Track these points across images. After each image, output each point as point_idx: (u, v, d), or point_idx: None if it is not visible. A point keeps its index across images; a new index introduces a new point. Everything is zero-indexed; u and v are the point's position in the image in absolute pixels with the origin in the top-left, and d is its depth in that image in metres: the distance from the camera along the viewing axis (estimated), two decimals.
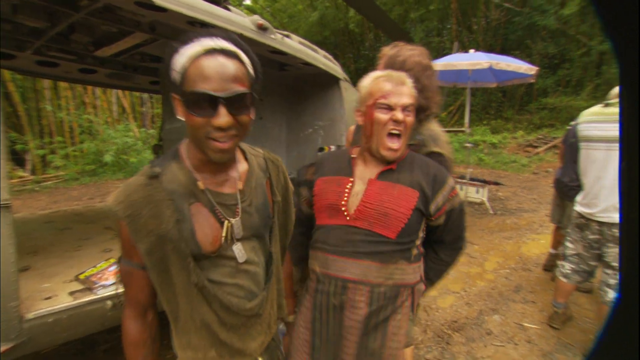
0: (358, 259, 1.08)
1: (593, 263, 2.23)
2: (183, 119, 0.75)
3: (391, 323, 1.09)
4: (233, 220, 0.83)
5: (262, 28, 1.99)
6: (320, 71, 2.72)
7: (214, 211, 0.81)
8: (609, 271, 2.09)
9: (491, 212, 5.35)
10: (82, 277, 1.62)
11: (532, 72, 4.54)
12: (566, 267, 2.36)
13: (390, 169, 1.12)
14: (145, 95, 11.08)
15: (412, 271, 1.13)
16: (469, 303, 2.88)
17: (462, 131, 6.12)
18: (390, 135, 1.07)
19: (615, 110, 1.95)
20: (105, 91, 9.93)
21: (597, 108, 2.11)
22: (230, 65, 0.71)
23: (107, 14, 1.86)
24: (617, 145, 1.97)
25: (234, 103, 0.72)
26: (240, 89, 0.72)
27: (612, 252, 2.04)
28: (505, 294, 3.01)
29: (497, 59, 4.43)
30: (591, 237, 2.16)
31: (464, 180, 5.59)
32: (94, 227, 2.67)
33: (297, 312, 1.21)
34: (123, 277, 0.84)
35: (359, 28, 14.99)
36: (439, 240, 1.23)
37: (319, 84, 3.06)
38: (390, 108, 1.06)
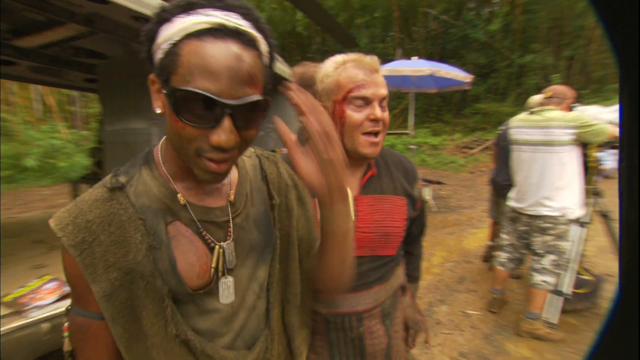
0: (368, 289, 0.98)
1: (523, 251, 2.50)
2: (161, 112, 0.55)
3: (394, 323, 1.06)
4: (225, 244, 0.62)
5: None
6: (275, 75, 2.69)
7: (199, 232, 0.61)
8: (535, 257, 2.35)
9: (435, 209, 5.71)
10: (7, 299, 1.42)
11: (468, 80, 4.97)
12: (502, 256, 2.61)
13: (371, 175, 0.97)
14: (76, 93, 10.06)
15: (402, 272, 1.11)
16: (418, 296, 3.04)
17: (407, 134, 6.47)
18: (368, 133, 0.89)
19: (537, 117, 2.20)
20: (24, 87, 8.83)
21: (523, 115, 2.37)
22: (246, 59, 0.50)
23: None
24: (540, 148, 2.23)
25: (244, 113, 0.52)
26: (254, 95, 0.52)
27: (538, 241, 2.31)
28: (450, 285, 3.24)
29: (438, 67, 4.77)
30: (521, 228, 2.41)
31: None
32: (18, 241, 2.35)
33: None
34: (74, 334, 0.60)
35: (307, 31, 15.13)
36: (408, 235, 1.11)
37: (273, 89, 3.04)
38: (366, 102, 0.87)
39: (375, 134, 0.88)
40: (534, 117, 2.23)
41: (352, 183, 0.94)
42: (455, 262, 3.75)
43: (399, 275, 1.09)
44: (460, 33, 12.63)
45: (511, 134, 2.40)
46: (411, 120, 5.78)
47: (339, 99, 0.87)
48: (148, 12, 1.50)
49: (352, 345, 0.99)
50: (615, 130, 2.07)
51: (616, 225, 2.63)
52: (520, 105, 12.01)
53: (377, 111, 0.85)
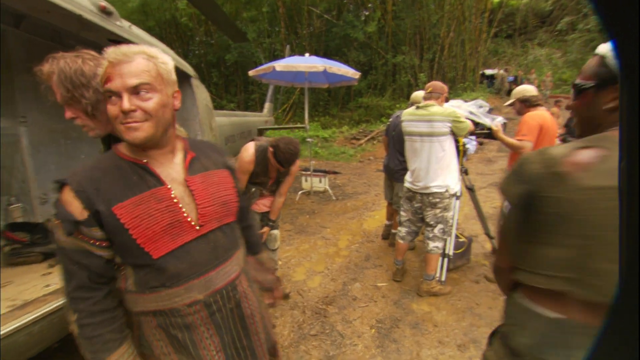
0: (230, 257, 1.05)
1: (419, 224, 2.94)
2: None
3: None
4: None
5: (105, 12, 1.66)
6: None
7: None
8: (428, 228, 2.80)
9: (334, 198, 6.12)
10: None
11: (357, 77, 5.45)
12: (402, 231, 3.01)
13: (192, 158, 1.02)
14: None
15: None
16: (333, 279, 3.26)
17: (302, 127, 6.71)
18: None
19: (423, 111, 2.60)
20: None
21: (412, 109, 2.76)
22: None
23: None
24: (426, 138, 2.64)
25: None
26: None
27: (430, 214, 2.75)
28: (359, 264, 3.56)
29: (330, 64, 5.08)
30: (416, 205, 2.83)
31: (308, 172, 6.18)
32: None
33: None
34: None
35: (191, 22, 14.00)
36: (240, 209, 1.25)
37: None
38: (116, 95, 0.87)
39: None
40: (420, 111, 2.62)
41: (176, 168, 0.98)
42: (359, 243, 4.13)
43: (242, 242, 1.20)
44: (342, 32, 13.57)
45: (404, 126, 2.77)
46: (306, 114, 6.02)
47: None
48: None
49: (231, 315, 1.05)
50: (472, 125, 2.64)
51: (478, 197, 3.33)
52: (396, 99, 13.69)
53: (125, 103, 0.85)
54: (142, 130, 0.87)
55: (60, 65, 1.02)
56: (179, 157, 1.00)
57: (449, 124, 2.51)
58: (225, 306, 1.02)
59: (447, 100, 2.79)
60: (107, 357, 0.91)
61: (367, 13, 14.73)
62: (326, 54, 13.18)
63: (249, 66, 5.80)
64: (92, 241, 0.89)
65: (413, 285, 3.07)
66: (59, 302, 1.39)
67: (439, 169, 2.61)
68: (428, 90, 2.65)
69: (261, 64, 6.02)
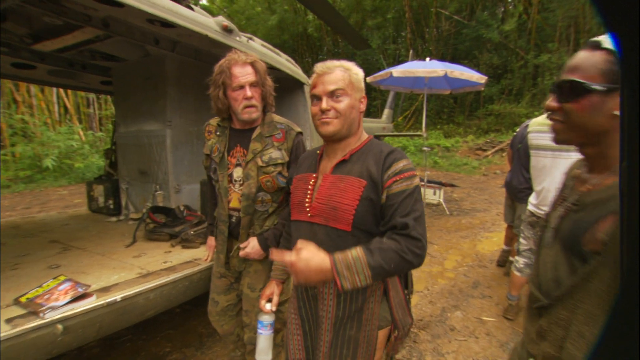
0: None
1: None
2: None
3: (365, 312, 1.12)
4: None
5: (227, 30, 1.93)
6: (285, 75, 2.69)
7: None
8: None
9: (447, 212, 5.62)
10: (23, 299, 1.44)
11: (482, 81, 4.87)
12: (520, 262, 2.53)
13: (344, 160, 1.13)
14: (92, 95, 10.27)
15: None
16: (432, 301, 2.98)
17: (419, 135, 6.39)
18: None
19: None
20: (43, 89, 9.05)
21: (542, 119, 2.30)
22: None
23: (49, 3, 1.68)
24: (561, 154, 2.16)
25: None
26: None
27: None
28: (464, 290, 3.17)
29: (451, 68, 4.69)
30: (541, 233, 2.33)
31: (422, 183, 5.83)
32: (34, 241, 2.39)
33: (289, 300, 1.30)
34: None
35: (317, 32, 15.13)
36: (385, 224, 1.07)
37: (283, 89, 3.03)
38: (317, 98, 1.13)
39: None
40: None
41: (331, 163, 1.16)
42: (469, 267, 3.67)
43: None
44: (473, 33, 12.41)
45: (530, 138, 2.33)
46: (424, 121, 5.71)
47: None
48: (162, 14, 1.51)
49: (311, 302, 1.19)
50: None
51: None
52: (536, 106, 11.67)
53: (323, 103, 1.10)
54: (332, 125, 1.10)
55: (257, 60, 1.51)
56: (340, 155, 1.15)
57: None
58: (307, 288, 1.18)
59: None
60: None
61: (504, 10, 13.10)
62: (454, 58, 12.26)
63: (372, 73, 5.85)
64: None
65: None
66: (169, 277, 1.68)
67: None
68: None
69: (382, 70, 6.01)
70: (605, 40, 0.71)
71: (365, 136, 1.20)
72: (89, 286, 1.49)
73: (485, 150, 10.26)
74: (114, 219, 2.94)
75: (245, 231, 1.56)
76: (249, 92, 1.46)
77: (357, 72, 1.14)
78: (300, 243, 1.02)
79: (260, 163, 1.51)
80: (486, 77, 4.96)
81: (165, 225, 2.18)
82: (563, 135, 0.78)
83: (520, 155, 2.94)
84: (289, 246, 1.28)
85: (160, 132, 2.55)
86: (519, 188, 2.96)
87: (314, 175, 1.17)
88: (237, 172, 1.54)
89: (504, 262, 3.52)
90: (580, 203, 0.75)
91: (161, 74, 2.47)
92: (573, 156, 2.07)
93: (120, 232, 2.51)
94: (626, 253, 0.35)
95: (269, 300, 1.36)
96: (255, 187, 1.52)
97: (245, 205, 1.52)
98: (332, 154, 1.17)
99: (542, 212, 2.26)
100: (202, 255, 1.93)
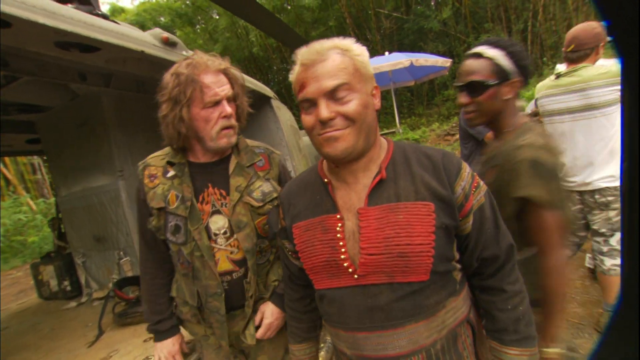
0: (397, 327, 0.77)
1: (582, 234, 2.16)
2: None
3: None
4: None
5: (169, 43, 1.53)
6: (249, 90, 2.32)
7: None
8: (599, 239, 2.02)
9: None
10: None
11: (447, 64, 4.75)
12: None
13: (380, 180, 0.78)
14: (37, 159, 9.35)
15: (463, 302, 0.85)
16: None
17: (393, 132, 6.22)
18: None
19: (569, 79, 1.90)
20: None
21: (549, 81, 2.07)
22: None
23: None
24: (581, 115, 1.93)
25: None
26: None
27: (598, 219, 1.98)
28: None
29: (415, 56, 4.54)
30: (573, 208, 2.08)
31: None
32: None
33: None
34: None
35: (263, 52, 15.07)
36: (477, 265, 0.84)
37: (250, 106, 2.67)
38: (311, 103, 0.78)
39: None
40: (565, 80, 1.92)
41: (360, 192, 0.81)
42: None
43: (458, 307, 0.83)
44: (415, 26, 12.80)
45: (542, 104, 2.09)
46: (397, 117, 5.52)
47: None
48: (72, 28, 1.08)
49: None
50: None
51: None
52: None
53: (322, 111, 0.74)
54: (343, 140, 0.75)
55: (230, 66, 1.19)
56: (368, 177, 0.81)
57: (617, 87, 1.76)
58: None
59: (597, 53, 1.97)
60: (290, 344, 1.01)
61: (436, 1, 13.69)
62: (401, 52, 12.53)
63: None
64: (286, 249, 0.95)
65: (583, 316, 2.27)
66: None
67: (607, 153, 1.85)
68: (570, 49, 1.93)
69: None
70: (485, 51, 1.05)
71: (384, 141, 0.88)
72: None
73: (454, 135, 10.34)
74: (73, 303, 2.38)
75: (253, 298, 1.14)
76: (228, 109, 1.08)
77: (361, 52, 0.79)
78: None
79: (254, 203, 1.11)
80: (450, 60, 4.85)
81: (139, 301, 1.69)
82: (478, 121, 1.12)
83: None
84: (313, 335, 1.03)
85: (111, 186, 2.05)
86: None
87: (337, 216, 0.80)
88: (217, 222, 1.11)
89: None
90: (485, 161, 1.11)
91: (98, 116, 2.02)
92: (599, 114, 1.86)
93: (82, 321, 1.98)
94: (626, 253, 0.34)
95: None
96: (254, 235, 1.12)
97: (252, 263, 1.11)
98: (352, 179, 0.82)
99: (572, 185, 2.01)
100: (197, 335, 1.42)
